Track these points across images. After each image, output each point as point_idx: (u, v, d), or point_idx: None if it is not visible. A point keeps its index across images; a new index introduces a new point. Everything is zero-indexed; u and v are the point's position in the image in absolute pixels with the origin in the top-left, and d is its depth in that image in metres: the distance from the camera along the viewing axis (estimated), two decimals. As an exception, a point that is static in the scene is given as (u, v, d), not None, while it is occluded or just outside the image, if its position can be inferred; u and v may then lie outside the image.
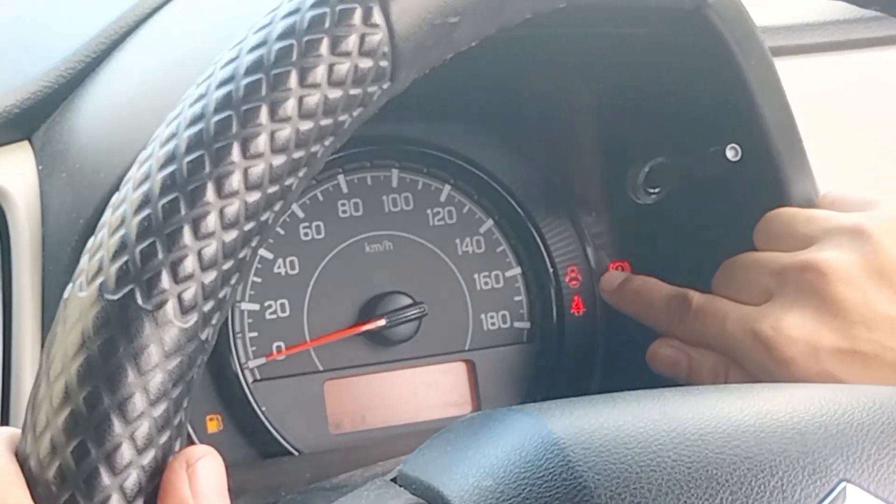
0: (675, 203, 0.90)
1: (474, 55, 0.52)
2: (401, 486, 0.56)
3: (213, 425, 0.85)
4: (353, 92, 0.47)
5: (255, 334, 0.85)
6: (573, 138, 0.91)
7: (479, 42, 0.51)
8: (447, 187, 0.90)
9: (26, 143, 0.80)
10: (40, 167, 0.79)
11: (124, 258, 0.43)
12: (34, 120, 0.80)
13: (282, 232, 0.86)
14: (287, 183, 0.46)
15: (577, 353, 0.92)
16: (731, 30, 0.82)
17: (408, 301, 0.87)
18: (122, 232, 0.44)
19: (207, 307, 0.45)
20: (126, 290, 0.43)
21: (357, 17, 0.46)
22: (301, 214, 0.87)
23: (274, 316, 0.86)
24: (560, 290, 0.91)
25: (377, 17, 0.47)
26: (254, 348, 0.86)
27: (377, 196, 0.89)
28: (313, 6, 0.47)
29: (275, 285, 0.86)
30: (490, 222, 0.90)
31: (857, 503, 0.51)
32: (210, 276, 0.44)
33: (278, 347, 0.86)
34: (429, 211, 0.90)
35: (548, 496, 0.51)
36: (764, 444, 0.53)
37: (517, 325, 0.91)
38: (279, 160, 0.45)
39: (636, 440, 0.53)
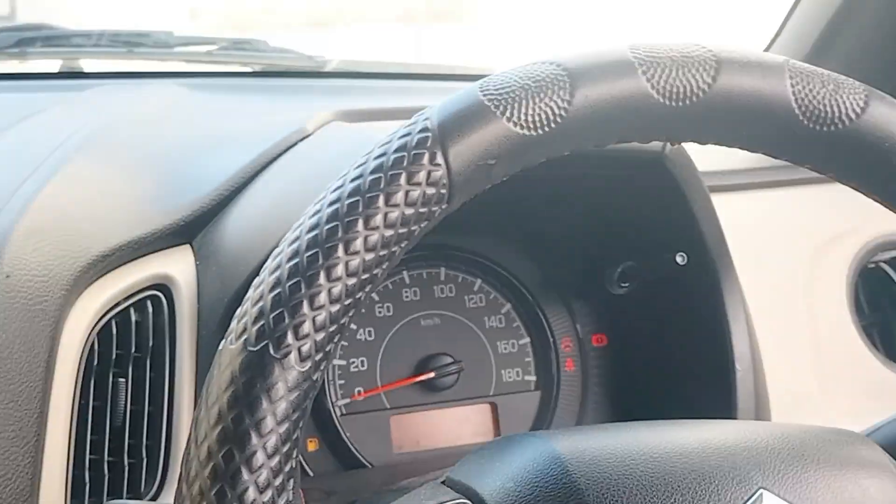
0: (641, 294, 0.91)
1: (500, 187, 0.51)
2: (448, 487, 0.55)
3: (312, 445, 0.86)
4: (421, 210, 0.47)
5: (342, 381, 0.87)
6: (567, 247, 0.92)
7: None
8: (479, 281, 0.92)
9: (188, 245, 0.81)
10: (198, 263, 0.80)
11: (262, 322, 0.44)
12: (195, 230, 0.81)
13: (363, 310, 0.88)
14: (375, 272, 0.46)
15: (570, 397, 0.92)
16: (681, 172, 0.84)
17: (450, 360, 0.88)
18: (260, 304, 0.44)
19: (318, 357, 0.45)
20: (263, 343, 0.44)
21: (426, 159, 0.46)
22: (377, 298, 0.89)
23: (356, 369, 0.88)
24: (557, 354, 0.92)
25: (439, 158, 0.46)
26: (341, 391, 0.87)
27: (430, 286, 0.90)
28: (396, 150, 0.47)
29: (357, 347, 0.88)
30: (509, 305, 0.92)
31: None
32: (321, 336, 0.44)
33: (358, 391, 0.87)
34: (465, 297, 0.91)
35: (552, 496, 0.51)
36: (705, 462, 0.53)
37: (527, 378, 0.91)
38: (370, 256, 0.45)
39: (616, 457, 0.53)
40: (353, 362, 0.88)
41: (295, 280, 0.44)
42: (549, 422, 0.91)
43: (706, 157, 0.84)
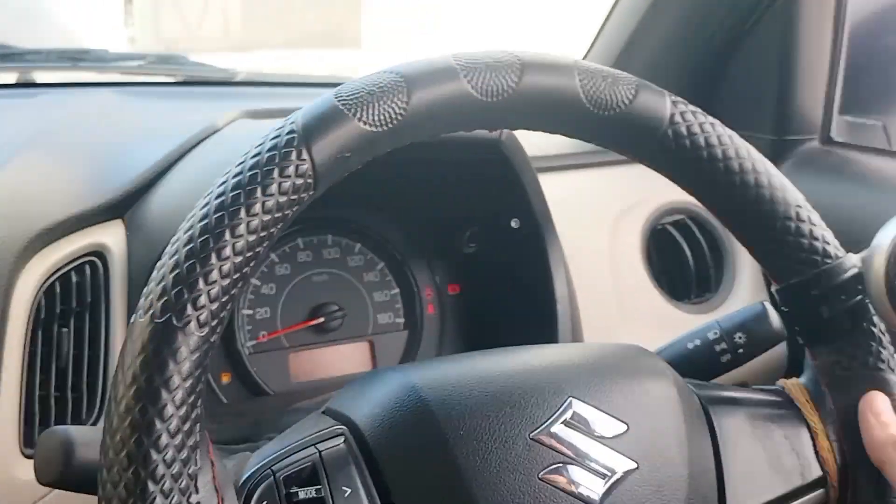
0: (485, 251, 0.92)
1: (372, 168, 0.50)
2: (328, 416, 0.54)
3: (226, 378, 0.85)
4: (293, 198, 0.46)
5: (250, 327, 0.86)
6: (427, 216, 0.92)
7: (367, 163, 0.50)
8: (358, 244, 0.91)
9: (120, 220, 0.80)
10: (128, 234, 0.79)
11: (165, 297, 0.43)
12: (125, 206, 0.80)
13: (266, 270, 0.87)
14: (257, 250, 0.45)
15: (432, 335, 0.92)
16: (513, 155, 0.85)
17: (336, 308, 0.88)
18: (163, 283, 0.44)
19: (214, 322, 0.44)
20: (167, 316, 0.43)
21: (293, 156, 0.46)
22: (277, 259, 0.88)
23: (261, 317, 0.87)
24: (421, 301, 0.92)
25: (305, 154, 0.46)
26: (249, 335, 0.86)
27: (319, 249, 0.90)
28: (269, 150, 0.46)
29: (262, 299, 0.87)
30: (382, 263, 0.91)
31: (578, 409, 0.51)
32: (215, 305, 0.44)
33: (263, 334, 0.86)
34: (348, 257, 0.91)
35: (410, 417, 0.51)
36: (528, 380, 0.53)
37: (397, 320, 0.91)
38: (252, 237, 0.45)
39: (459, 382, 0.52)
40: (258, 311, 0.87)
41: (191, 261, 0.44)
42: (415, 354, 0.91)
43: (534, 143, 0.84)
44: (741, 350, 0.65)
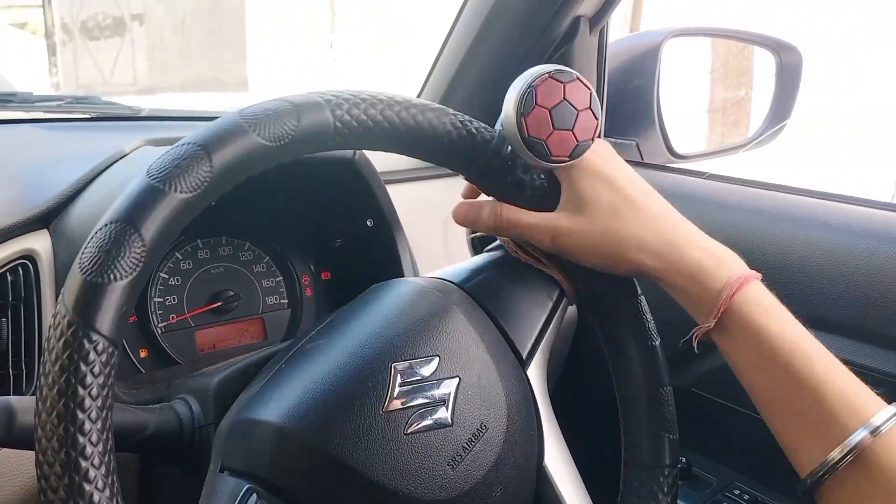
0: (349, 245, 0.91)
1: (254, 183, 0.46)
2: (231, 475, 0.50)
3: (143, 353, 0.82)
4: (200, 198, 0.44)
5: (161, 312, 0.83)
6: (301, 219, 0.91)
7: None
8: (248, 243, 0.89)
9: (45, 229, 0.76)
10: (53, 240, 0.75)
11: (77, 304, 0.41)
12: (50, 218, 0.77)
13: (172, 265, 0.84)
14: (145, 264, 0.42)
15: (310, 312, 0.91)
16: (365, 169, 0.84)
17: (232, 293, 0.86)
18: (76, 294, 0.41)
19: (116, 332, 0.41)
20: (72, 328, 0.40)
21: (197, 165, 0.44)
22: (181, 257, 0.85)
23: (170, 303, 0.84)
24: (300, 285, 0.90)
25: (205, 165, 0.44)
26: (161, 318, 0.83)
27: (216, 248, 0.87)
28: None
29: (170, 289, 0.84)
30: (268, 258, 0.90)
31: (401, 368, 0.50)
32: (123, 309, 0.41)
33: (172, 317, 0.84)
34: (240, 253, 0.89)
35: (295, 454, 0.48)
36: (357, 369, 0.51)
37: (282, 301, 0.89)
38: (141, 258, 0.42)
39: (309, 403, 0.50)
40: (168, 299, 0.84)
41: (92, 274, 0.41)
42: (297, 328, 0.90)
43: (383, 161, 0.84)
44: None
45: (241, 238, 0.89)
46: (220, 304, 0.86)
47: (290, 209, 0.90)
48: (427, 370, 0.51)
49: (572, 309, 0.65)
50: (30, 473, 0.65)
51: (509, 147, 0.55)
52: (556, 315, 0.59)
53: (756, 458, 0.79)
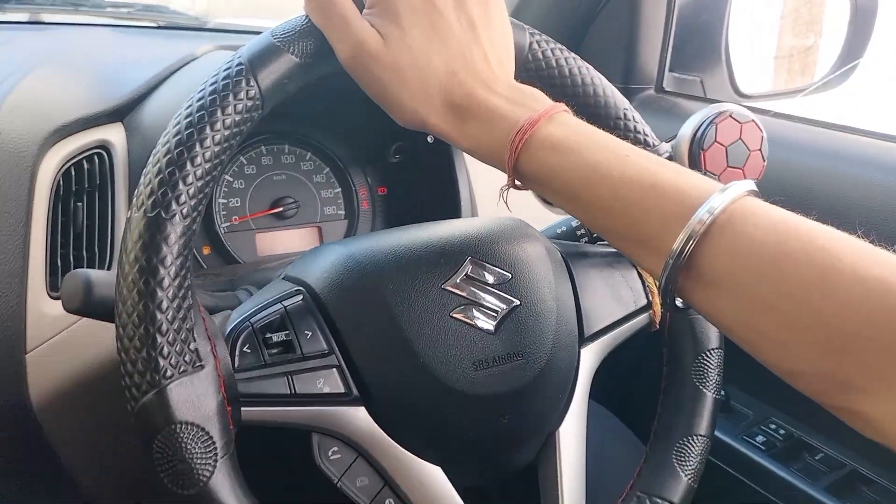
0: (408, 161, 0.92)
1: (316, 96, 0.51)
2: (286, 280, 0.54)
3: (207, 250, 0.85)
4: (245, 116, 0.46)
5: (224, 213, 0.86)
6: (361, 133, 0.92)
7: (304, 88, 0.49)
8: (309, 153, 0.91)
9: (120, 123, 0.79)
10: (127, 134, 0.78)
11: (153, 196, 0.43)
12: (124, 112, 0.79)
13: (237, 169, 0.87)
14: (222, 157, 0.45)
15: (365, 224, 0.93)
16: None
17: (292, 200, 0.88)
18: (150, 185, 0.44)
19: (194, 214, 0.44)
20: (157, 211, 0.43)
21: (243, 83, 0.45)
22: (246, 162, 0.87)
23: (233, 205, 0.87)
24: (357, 199, 0.92)
25: (252, 82, 0.45)
26: (224, 219, 0.86)
27: (279, 156, 0.89)
28: (224, 78, 0.46)
29: (234, 192, 0.87)
30: (328, 169, 0.92)
31: (475, 265, 0.53)
32: (193, 201, 0.44)
33: (235, 218, 0.86)
34: (301, 163, 0.91)
35: (350, 276, 0.51)
36: (438, 244, 0.53)
37: (339, 212, 0.92)
38: (217, 147, 0.44)
39: (385, 248, 0.53)
40: (231, 201, 0.87)
41: (171, 168, 0.43)
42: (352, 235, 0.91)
43: None
44: (595, 234, 0.67)
45: (304, 148, 0.91)
46: (280, 209, 0.88)
47: (352, 123, 0.91)
48: (495, 279, 0.53)
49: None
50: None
51: None
52: (633, 322, 0.60)
53: (792, 393, 0.80)
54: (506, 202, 0.50)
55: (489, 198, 0.93)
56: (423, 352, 0.50)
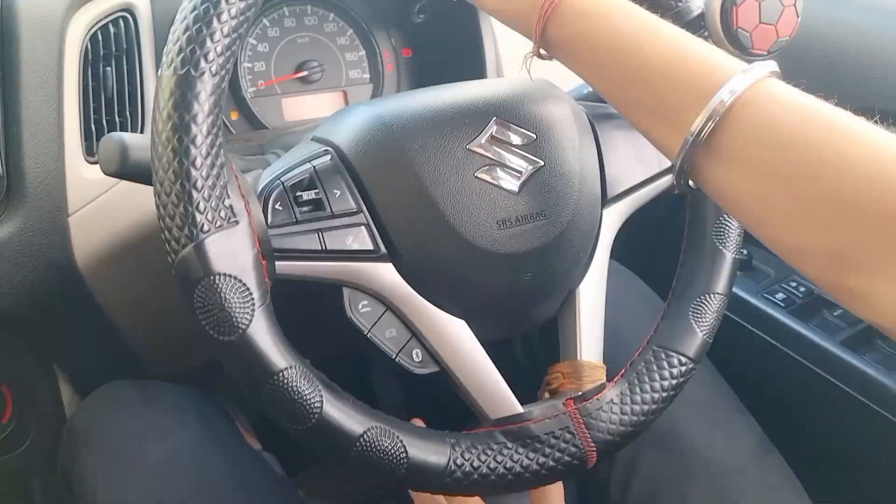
0: (433, 22, 0.91)
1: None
2: (314, 141, 0.55)
3: (234, 115, 0.86)
4: None
5: (250, 77, 0.86)
6: None
7: None
8: (332, 14, 0.90)
9: None
10: None
11: (182, 54, 0.43)
12: None
13: (260, 32, 0.86)
14: (247, 15, 0.44)
15: (390, 87, 0.92)
16: None
17: (316, 64, 0.88)
18: (179, 42, 0.43)
19: (223, 71, 0.44)
20: (186, 68, 0.43)
21: None
22: (268, 24, 0.87)
23: (258, 69, 0.87)
24: (382, 61, 0.91)
25: None
26: (250, 83, 0.86)
27: (301, 17, 0.88)
28: None
29: (259, 55, 0.86)
30: (351, 30, 0.91)
31: (500, 126, 0.53)
32: (222, 58, 0.43)
33: (260, 83, 0.87)
34: (324, 24, 0.90)
35: (377, 134, 0.52)
36: (463, 104, 0.54)
37: (364, 76, 0.91)
38: (242, 4, 0.44)
39: (409, 107, 0.53)
40: (256, 65, 0.87)
41: (198, 25, 0.43)
42: (376, 96, 0.92)
43: None
44: None
45: (326, 8, 0.90)
46: (305, 73, 0.88)
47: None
48: (520, 140, 0.53)
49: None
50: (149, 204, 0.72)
51: (703, 31, 0.55)
52: (656, 184, 0.61)
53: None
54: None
55: (516, 59, 0.92)
56: (448, 210, 0.51)
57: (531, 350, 0.68)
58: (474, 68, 0.88)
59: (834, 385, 0.75)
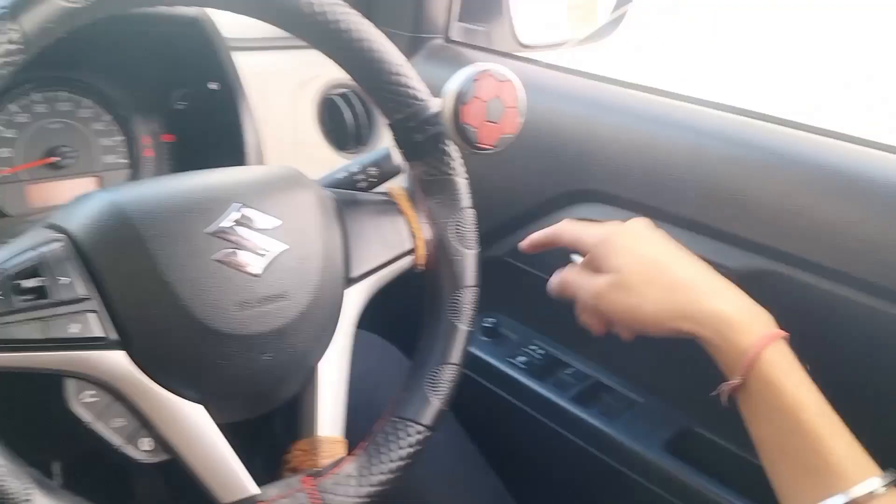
0: (193, 108, 0.92)
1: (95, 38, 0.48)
2: (47, 228, 0.54)
3: None
4: (8, 59, 0.46)
5: None
6: (144, 80, 0.91)
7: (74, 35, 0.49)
8: (88, 100, 0.89)
9: None
10: None
11: None
12: None
13: (7, 117, 0.83)
14: None
15: (148, 172, 0.91)
16: (208, 29, 0.86)
17: (69, 149, 0.86)
18: None
19: None
20: None
21: (6, 27, 0.45)
22: (18, 110, 0.84)
23: (4, 155, 0.84)
24: (139, 146, 0.91)
25: (14, 25, 0.45)
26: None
27: (54, 102, 0.87)
28: None
29: (4, 141, 0.83)
30: (109, 116, 0.90)
31: (243, 211, 0.54)
32: None
33: (5, 169, 0.84)
34: (79, 110, 0.89)
35: (113, 221, 0.52)
36: (205, 190, 0.55)
37: (121, 160, 0.90)
38: None
39: (150, 194, 0.53)
40: (2, 151, 0.84)
41: None
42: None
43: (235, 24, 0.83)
44: (374, 178, 0.70)
45: (82, 94, 0.89)
46: (56, 159, 0.86)
47: (133, 68, 0.90)
48: (265, 224, 0.55)
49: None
50: None
51: (439, 126, 0.61)
52: (397, 265, 0.64)
53: (551, 318, 0.90)
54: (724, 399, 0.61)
55: (280, 150, 0.96)
56: (185, 294, 0.51)
57: (274, 430, 0.68)
58: (236, 155, 0.90)
59: (566, 438, 0.83)
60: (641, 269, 0.63)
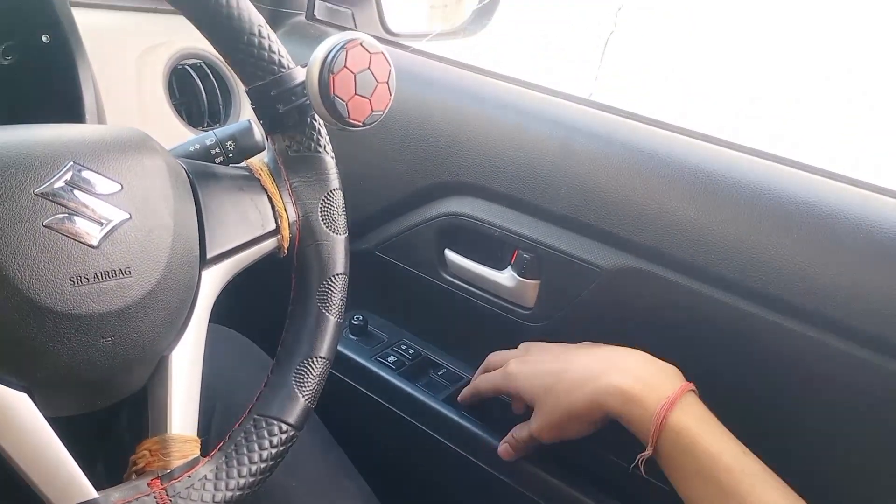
0: (22, 64, 0.82)
1: None
2: None
3: None
4: None
5: None
6: None
7: None
8: None
9: None
10: None
11: None
12: None
13: None
14: None
15: None
16: None
17: None
18: None
19: None
20: None
21: None
22: None
23: None
24: None
25: None
26: None
27: None
28: None
29: None
30: None
31: (79, 172, 0.49)
32: None
33: None
34: None
35: None
36: (35, 146, 0.48)
37: None
38: None
39: None
40: None
41: None
42: None
43: None
44: (231, 154, 0.66)
45: None
46: None
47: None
48: (103, 189, 0.50)
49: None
50: None
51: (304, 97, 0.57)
52: (259, 247, 0.60)
53: (421, 317, 0.89)
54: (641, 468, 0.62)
55: (122, 121, 0.88)
56: (8, 263, 0.45)
57: (116, 428, 0.62)
58: (73, 114, 0.80)
59: (436, 439, 0.81)
60: (543, 387, 0.68)
